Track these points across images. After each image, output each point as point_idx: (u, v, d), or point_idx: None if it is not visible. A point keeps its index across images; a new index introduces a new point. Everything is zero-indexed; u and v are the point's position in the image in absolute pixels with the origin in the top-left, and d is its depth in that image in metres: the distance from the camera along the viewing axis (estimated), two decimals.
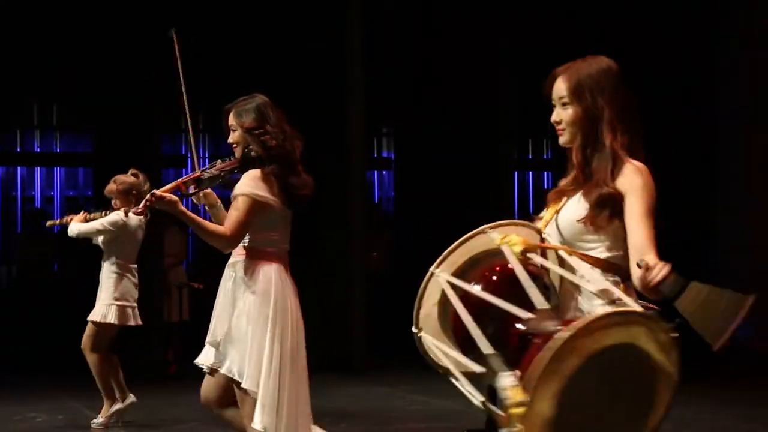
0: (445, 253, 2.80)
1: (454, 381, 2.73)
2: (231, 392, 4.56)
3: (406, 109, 12.97)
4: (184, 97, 4.70)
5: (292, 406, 4.51)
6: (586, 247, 2.94)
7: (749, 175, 12.42)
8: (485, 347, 2.55)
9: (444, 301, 2.75)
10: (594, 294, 2.82)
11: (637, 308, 2.58)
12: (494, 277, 2.73)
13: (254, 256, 4.57)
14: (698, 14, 12.60)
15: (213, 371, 4.61)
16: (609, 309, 2.50)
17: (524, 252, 2.73)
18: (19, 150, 14.22)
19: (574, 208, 2.97)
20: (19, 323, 11.94)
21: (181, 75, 4.67)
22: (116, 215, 7.24)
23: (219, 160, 4.68)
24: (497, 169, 11.53)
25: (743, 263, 12.45)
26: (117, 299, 7.25)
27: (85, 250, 8.20)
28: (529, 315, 2.56)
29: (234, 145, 4.68)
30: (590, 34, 10.76)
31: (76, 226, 7.37)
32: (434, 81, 12.14)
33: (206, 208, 4.82)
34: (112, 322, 7.21)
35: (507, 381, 2.43)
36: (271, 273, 4.58)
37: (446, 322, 2.75)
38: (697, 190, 12.79)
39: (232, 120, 4.68)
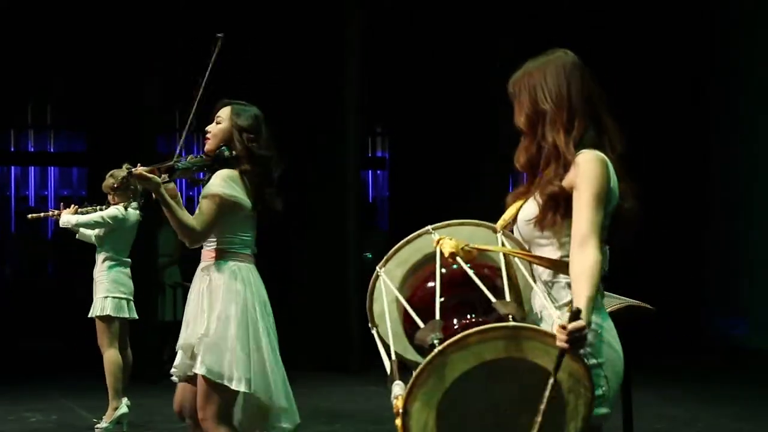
0: (390, 252, 2.83)
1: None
2: (222, 399, 4.50)
3: (401, 109, 12.97)
4: (198, 96, 4.67)
5: (283, 400, 4.61)
6: (542, 245, 2.90)
7: (742, 167, 12.44)
8: (389, 354, 2.60)
9: (396, 299, 2.80)
10: (544, 295, 2.81)
11: (526, 323, 2.56)
12: (429, 283, 2.75)
13: (227, 258, 4.54)
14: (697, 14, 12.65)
15: (189, 378, 4.56)
16: (477, 328, 2.46)
17: (452, 255, 2.72)
18: (13, 149, 14.20)
19: (527, 209, 2.94)
20: (14, 323, 11.92)
21: (206, 76, 4.65)
22: (116, 209, 7.24)
23: (192, 155, 4.66)
24: (492, 169, 11.52)
25: (735, 258, 12.47)
26: (111, 292, 7.24)
27: (78, 250, 8.18)
28: (421, 325, 2.57)
29: (208, 136, 4.64)
30: (590, 34, 10.76)
31: (74, 216, 7.33)
32: (429, 81, 12.13)
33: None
34: (108, 314, 7.20)
35: (395, 390, 2.44)
36: (245, 274, 4.56)
37: (399, 318, 2.80)
38: (690, 184, 12.80)
39: (224, 114, 4.65)
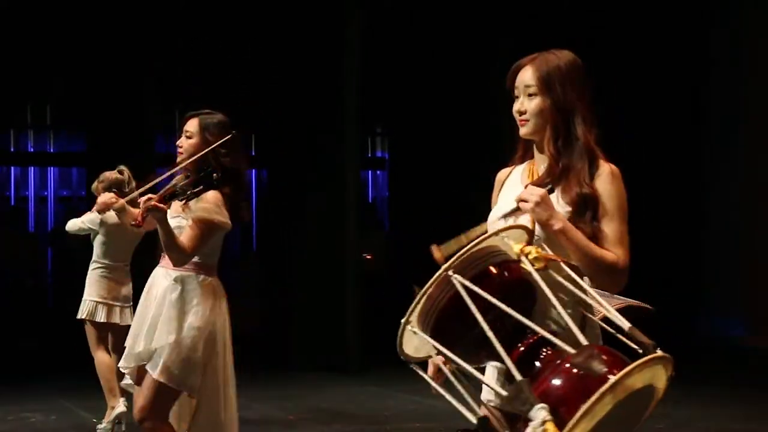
0: (459, 254, 2.72)
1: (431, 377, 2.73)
2: (166, 401, 4.61)
3: (401, 109, 12.97)
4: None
5: (234, 419, 4.72)
6: (567, 252, 2.86)
7: (740, 167, 12.45)
8: (513, 369, 2.51)
9: (435, 296, 2.69)
10: (583, 308, 2.79)
11: (659, 353, 2.55)
12: (497, 283, 2.62)
13: (202, 271, 4.67)
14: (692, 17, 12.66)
15: (137, 381, 4.67)
16: (648, 356, 2.45)
17: (546, 268, 2.64)
18: (12, 150, 14.20)
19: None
20: (13, 323, 11.92)
21: (212, 149, 4.68)
22: (92, 213, 7.23)
23: (180, 176, 4.72)
24: (492, 170, 11.54)
25: (733, 259, 12.48)
26: (87, 295, 7.24)
27: (67, 251, 8.18)
28: (571, 350, 2.52)
29: (180, 150, 4.72)
30: (590, 34, 10.77)
31: (68, 222, 7.37)
32: (429, 81, 12.13)
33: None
34: (81, 317, 7.21)
35: (542, 414, 2.39)
36: (216, 288, 4.72)
37: (429, 318, 2.70)
38: (688, 181, 12.81)
39: (193, 127, 4.71)
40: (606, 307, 2.65)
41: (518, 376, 2.43)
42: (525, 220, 2.86)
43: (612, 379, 2.31)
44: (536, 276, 2.61)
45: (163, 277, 4.68)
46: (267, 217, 12.67)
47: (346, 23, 10.56)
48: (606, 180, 2.87)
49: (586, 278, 2.82)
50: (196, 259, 4.64)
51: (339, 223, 10.54)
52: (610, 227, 2.85)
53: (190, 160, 4.64)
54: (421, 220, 11.52)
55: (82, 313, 7.24)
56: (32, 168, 14.31)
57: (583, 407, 2.28)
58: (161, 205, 4.46)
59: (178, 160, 4.71)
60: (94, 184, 7.27)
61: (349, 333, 10.27)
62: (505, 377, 2.50)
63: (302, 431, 7.59)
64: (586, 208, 2.85)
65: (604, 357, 2.44)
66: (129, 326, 7.28)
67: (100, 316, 7.22)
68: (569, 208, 2.86)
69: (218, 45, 11.73)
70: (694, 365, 10.72)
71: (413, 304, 2.63)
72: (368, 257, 11.39)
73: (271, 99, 11.12)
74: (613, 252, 2.84)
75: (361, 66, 10.57)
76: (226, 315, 4.74)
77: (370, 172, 15.49)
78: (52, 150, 14.29)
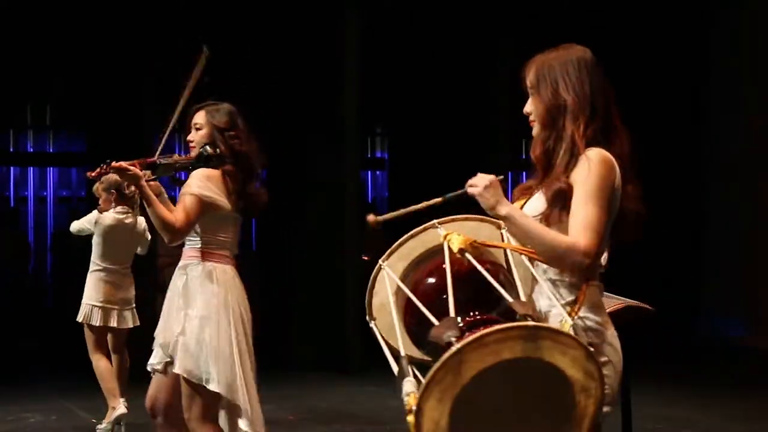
0: (394, 245, 2.81)
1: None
2: (179, 395, 4.53)
3: (400, 110, 12.96)
4: (181, 103, 4.70)
5: (255, 405, 4.57)
6: None
7: (740, 167, 12.45)
8: (402, 347, 2.58)
9: (397, 292, 2.77)
10: (551, 293, 2.78)
11: (544, 323, 2.54)
12: (431, 278, 2.74)
13: (207, 258, 4.58)
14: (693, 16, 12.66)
15: (164, 370, 4.58)
16: (498, 326, 2.44)
17: (462, 251, 2.69)
18: (12, 150, 14.19)
19: (534, 204, 2.91)
20: (13, 323, 11.91)
21: (191, 85, 4.67)
22: (91, 214, 7.24)
23: (176, 154, 4.70)
24: (491, 170, 11.53)
25: (733, 259, 12.48)
26: (85, 298, 7.23)
27: (67, 251, 8.18)
28: (435, 322, 2.55)
29: (191, 144, 4.68)
30: (590, 34, 10.75)
31: (73, 223, 7.39)
32: (429, 80, 12.13)
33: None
34: (79, 320, 7.21)
35: (407, 387, 2.42)
36: (225, 275, 4.60)
37: (399, 313, 2.77)
38: (688, 181, 12.81)
39: (200, 119, 4.68)
40: (491, 281, 2.66)
41: (402, 351, 2.55)
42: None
43: (454, 347, 2.32)
44: (447, 259, 2.69)
45: (177, 267, 4.67)
46: (267, 217, 12.65)
47: (346, 23, 10.55)
48: (580, 167, 2.84)
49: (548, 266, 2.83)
50: (199, 245, 4.56)
51: (339, 223, 10.54)
52: (576, 213, 2.80)
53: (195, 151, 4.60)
54: (421, 220, 11.51)
55: (79, 317, 7.24)
56: (31, 168, 14.30)
57: (429, 374, 2.31)
58: (127, 166, 4.36)
59: (191, 153, 4.66)
60: (95, 186, 7.27)
61: (349, 333, 10.27)
62: None
63: (302, 431, 7.59)
64: (558, 203, 2.83)
65: (470, 329, 2.44)
66: (129, 329, 7.35)
67: (97, 320, 7.21)
68: (546, 205, 2.86)
69: (218, 45, 11.71)
70: (694, 365, 10.75)
71: (366, 300, 2.94)
72: (366, 258, 11.37)
73: (270, 99, 11.11)
74: (574, 237, 2.77)
75: (360, 66, 10.57)
76: (238, 304, 4.60)
77: (369, 172, 15.48)
78: (51, 150, 14.28)
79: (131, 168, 4.39)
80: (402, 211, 2.87)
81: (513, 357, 2.35)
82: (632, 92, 12.10)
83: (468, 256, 2.69)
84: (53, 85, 12.91)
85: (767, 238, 11.98)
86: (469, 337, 2.33)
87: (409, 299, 2.74)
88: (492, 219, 2.90)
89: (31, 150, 14.24)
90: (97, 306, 7.21)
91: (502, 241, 2.87)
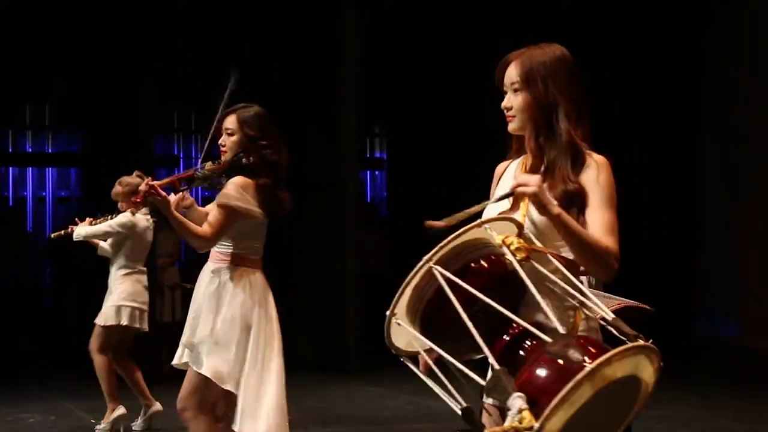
0: (441, 244, 2.73)
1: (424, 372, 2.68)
2: (206, 394, 4.61)
3: (400, 110, 12.96)
4: (213, 128, 4.78)
5: (272, 412, 4.72)
6: (557, 245, 2.85)
7: (739, 167, 12.45)
8: (492, 360, 2.50)
9: (421, 287, 2.67)
10: (570, 300, 2.76)
11: (642, 341, 2.54)
12: (483, 276, 2.64)
13: (239, 263, 4.69)
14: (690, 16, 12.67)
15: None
16: (625, 345, 2.44)
17: (527, 258, 2.62)
18: (11, 150, 14.18)
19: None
20: (12, 323, 11.91)
21: (222, 107, 4.75)
22: (124, 216, 7.21)
23: (210, 162, 4.74)
24: (492, 170, 11.53)
25: (731, 259, 12.48)
26: (125, 300, 7.22)
27: (66, 252, 8.16)
28: (548, 339, 2.51)
29: (223, 148, 4.74)
30: (590, 35, 10.77)
31: (83, 228, 7.30)
32: (429, 81, 12.13)
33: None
34: (121, 323, 7.18)
35: (518, 403, 2.38)
36: (255, 280, 4.71)
37: (417, 310, 2.70)
38: (687, 181, 12.81)
39: (232, 124, 4.75)
40: (589, 296, 2.64)
41: (496, 366, 2.42)
42: (517, 214, 2.84)
43: (588, 366, 2.31)
44: (517, 266, 2.60)
45: (206, 270, 4.74)
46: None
47: (346, 23, 10.56)
48: (592, 171, 2.85)
49: (582, 275, 2.82)
50: (231, 249, 4.66)
51: (338, 223, 10.54)
52: (598, 217, 2.81)
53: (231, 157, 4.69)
54: (420, 220, 11.50)
55: (111, 319, 7.19)
56: (30, 168, 14.29)
57: (559, 395, 2.27)
58: (161, 192, 4.42)
59: (222, 158, 4.73)
60: (116, 189, 7.26)
61: (349, 333, 10.27)
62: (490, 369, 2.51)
63: (302, 431, 7.59)
64: (572, 204, 2.82)
65: (583, 346, 2.44)
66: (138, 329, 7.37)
67: (135, 321, 7.25)
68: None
69: (218, 45, 11.73)
70: (694, 365, 10.75)
71: (396, 297, 2.64)
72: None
73: (270, 99, 11.10)
74: (604, 240, 2.79)
75: (360, 66, 10.57)
76: (267, 309, 4.72)
77: (368, 172, 15.47)
78: (50, 150, 14.27)
79: (162, 193, 4.45)
80: (455, 217, 2.79)
81: (624, 375, 2.38)
82: (632, 92, 12.17)
83: (533, 261, 2.67)
84: (53, 85, 12.90)
85: (766, 238, 11.99)
86: (602, 357, 2.33)
87: (438, 291, 2.64)
88: (510, 216, 2.83)
89: (30, 150, 14.22)
90: (136, 308, 7.25)
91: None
